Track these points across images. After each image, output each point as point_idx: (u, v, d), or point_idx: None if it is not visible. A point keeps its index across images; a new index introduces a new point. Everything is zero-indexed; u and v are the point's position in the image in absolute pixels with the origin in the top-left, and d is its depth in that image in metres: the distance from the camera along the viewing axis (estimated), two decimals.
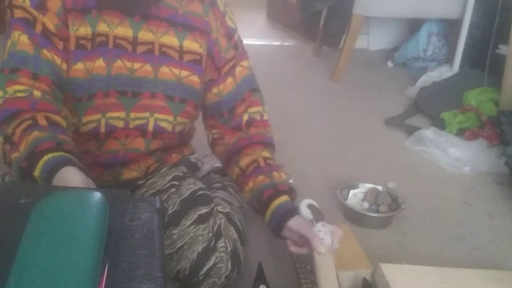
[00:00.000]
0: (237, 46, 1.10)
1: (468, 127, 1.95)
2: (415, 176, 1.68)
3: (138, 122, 1.01)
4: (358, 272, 1.03)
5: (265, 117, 1.13)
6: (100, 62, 0.94)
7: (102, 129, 0.99)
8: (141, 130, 1.02)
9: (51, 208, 0.59)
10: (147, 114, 1.01)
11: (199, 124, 1.33)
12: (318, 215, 0.97)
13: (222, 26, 1.06)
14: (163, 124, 1.04)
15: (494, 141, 1.81)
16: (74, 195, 0.65)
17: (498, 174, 1.69)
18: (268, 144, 1.09)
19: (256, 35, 3.58)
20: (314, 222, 0.95)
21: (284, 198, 0.99)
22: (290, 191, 1.01)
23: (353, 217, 1.36)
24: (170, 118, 1.04)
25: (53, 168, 0.78)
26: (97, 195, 0.62)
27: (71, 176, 0.77)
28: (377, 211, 1.38)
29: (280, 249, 1.18)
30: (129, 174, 1.06)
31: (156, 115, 1.02)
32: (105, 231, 0.57)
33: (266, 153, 1.06)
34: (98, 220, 0.58)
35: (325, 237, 0.93)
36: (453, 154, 1.78)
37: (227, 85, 1.09)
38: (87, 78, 0.94)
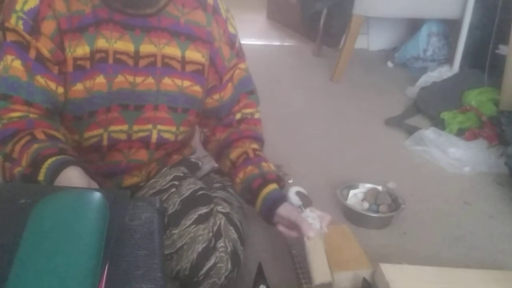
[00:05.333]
0: (238, 53, 1.10)
1: (468, 127, 1.95)
2: (415, 176, 1.68)
3: (141, 134, 1.01)
4: (358, 272, 1.03)
5: (257, 116, 1.15)
6: (100, 79, 0.93)
7: (105, 143, 0.99)
8: (144, 142, 1.03)
9: (51, 208, 0.59)
10: (150, 126, 1.01)
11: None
12: (306, 201, 1.00)
13: (224, 34, 1.05)
14: (166, 135, 1.04)
15: (494, 141, 1.81)
16: (74, 195, 0.65)
17: (498, 174, 1.69)
18: (258, 139, 1.12)
19: (256, 35, 3.58)
20: (303, 208, 0.99)
21: (272, 186, 1.02)
22: (278, 180, 1.04)
23: (353, 217, 1.36)
24: (173, 129, 1.05)
25: (56, 170, 0.79)
26: (97, 195, 0.63)
27: (73, 176, 0.79)
28: (377, 211, 1.38)
29: (280, 249, 1.18)
30: (130, 180, 1.07)
31: (159, 127, 1.02)
32: (105, 231, 0.57)
33: (255, 146, 1.09)
34: (98, 220, 0.58)
35: (314, 222, 0.96)
36: (453, 154, 1.78)
37: (227, 91, 1.10)
38: (87, 97, 0.93)
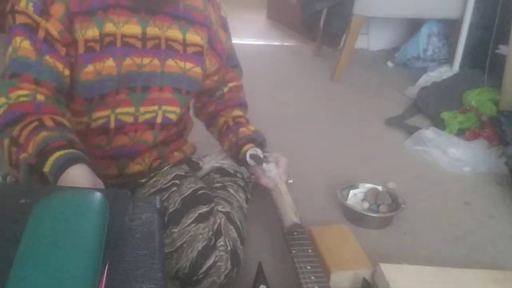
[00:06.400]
0: (230, 34, 1.19)
1: (468, 127, 1.95)
2: (415, 176, 1.68)
3: (147, 115, 1.05)
4: (358, 272, 1.03)
5: (239, 83, 1.26)
6: (110, 62, 0.95)
7: (112, 125, 1.02)
8: (150, 124, 1.07)
9: (51, 208, 0.59)
10: (155, 108, 1.06)
11: (198, 124, 1.33)
12: (259, 161, 1.13)
13: (219, 18, 1.14)
14: (171, 116, 1.09)
15: (494, 141, 1.81)
16: (74, 195, 0.65)
17: (498, 174, 1.69)
18: (240, 105, 1.25)
19: (256, 35, 3.58)
20: (260, 165, 1.12)
21: (244, 149, 1.15)
22: (250, 140, 1.17)
23: (353, 217, 1.36)
24: (178, 110, 1.10)
25: (64, 165, 0.79)
26: (97, 195, 0.63)
27: (78, 175, 0.79)
28: (377, 211, 1.38)
29: (280, 249, 1.18)
30: (133, 167, 1.08)
31: (164, 107, 1.07)
32: (105, 231, 0.57)
33: (235, 112, 1.22)
34: (98, 220, 0.58)
35: (271, 174, 1.11)
36: (453, 154, 1.78)
37: (224, 71, 1.20)
38: (98, 79, 0.95)
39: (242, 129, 1.19)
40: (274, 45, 3.42)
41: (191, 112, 1.29)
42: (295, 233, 1.04)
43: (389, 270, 0.99)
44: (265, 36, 3.66)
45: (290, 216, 1.05)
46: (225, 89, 1.23)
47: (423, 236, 1.33)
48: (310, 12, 2.67)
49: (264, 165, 1.11)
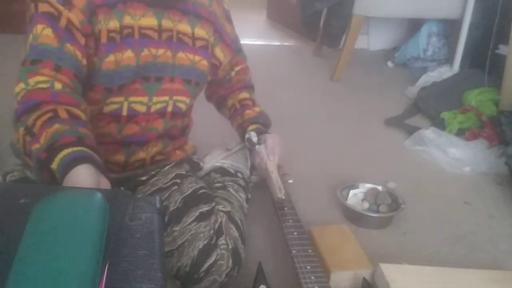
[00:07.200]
0: (234, 25, 1.25)
1: (468, 127, 1.95)
2: (415, 176, 1.68)
3: (159, 105, 1.08)
4: (358, 272, 1.03)
5: (244, 65, 1.32)
6: (128, 53, 0.99)
7: (124, 113, 1.05)
8: (161, 113, 1.10)
9: (51, 208, 0.59)
10: (167, 98, 1.09)
11: (199, 124, 1.34)
12: (253, 143, 1.21)
13: (223, 11, 1.21)
14: (181, 105, 1.13)
15: (494, 141, 1.80)
16: (74, 195, 0.65)
17: (498, 174, 1.69)
18: (247, 86, 1.32)
19: (256, 35, 3.58)
20: (254, 147, 1.21)
21: (247, 131, 1.24)
22: (254, 123, 1.25)
23: (353, 217, 1.36)
24: (188, 100, 1.14)
25: (69, 164, 0.80)
26: (97, 195, 0.63)
27: (83, 177, 0.79)
28: (377, 211, 1.38)
29: (280, 249, 1.18)
30: (138, 155, 1.10)
31: (175, 98, 1.11)
32: (105, 231, 0.57)
33: (242, 95, 1.29)
34: (98, 220, 0.58)
35: (261, 155, 1.20)
36: (453, 154, 1.78)
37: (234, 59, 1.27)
38: (117, 69, 0.98)
39: (247, 111, 1.26)
40: (274, 45, 3.43)
41: (193, 112, 1.29)
42: (285, 208, 1.15)
43: (389, 270, 0.99)
44: (265, 36, 3.67)
45: (275, 192, 1.14)
46: (232, 73, 1.29)
47: (423, 236, 1.33)
48: (310, 12, 2.67)
49: (257, 147, 1.20)
